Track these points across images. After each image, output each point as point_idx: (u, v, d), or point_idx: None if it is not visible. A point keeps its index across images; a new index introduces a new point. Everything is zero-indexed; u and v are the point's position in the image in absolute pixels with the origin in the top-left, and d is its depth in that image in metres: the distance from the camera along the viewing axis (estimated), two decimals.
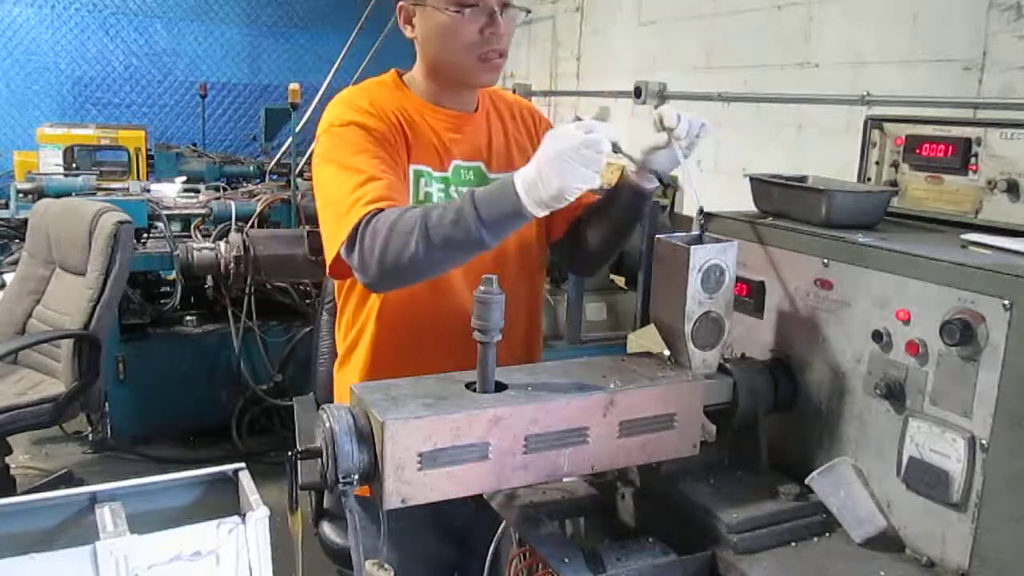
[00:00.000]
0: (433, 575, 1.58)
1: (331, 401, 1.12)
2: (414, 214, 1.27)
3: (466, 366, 1.18)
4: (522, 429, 1.07)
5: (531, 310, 1.66)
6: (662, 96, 3.91)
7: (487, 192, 1.25)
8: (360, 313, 1.56)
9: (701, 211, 1.28)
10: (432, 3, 1.43)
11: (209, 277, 3.82)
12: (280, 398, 3.79)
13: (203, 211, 3.90)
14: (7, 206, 3.85)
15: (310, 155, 5.13)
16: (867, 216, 1.34)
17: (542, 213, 1.21)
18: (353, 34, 5.33)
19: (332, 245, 1.36)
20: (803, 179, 1.46)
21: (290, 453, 1.10)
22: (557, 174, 1.16)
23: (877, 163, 1.45)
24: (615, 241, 1.63)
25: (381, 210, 1.31)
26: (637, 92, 3.90)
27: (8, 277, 3.48)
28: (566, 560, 1.12)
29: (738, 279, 1.29)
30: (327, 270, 1.42)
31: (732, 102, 3.48)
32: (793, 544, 1.17)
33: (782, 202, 1.41)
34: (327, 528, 2.17)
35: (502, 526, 1.32)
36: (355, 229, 1.30)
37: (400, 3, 1.49)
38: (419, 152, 1.48)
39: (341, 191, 1.35)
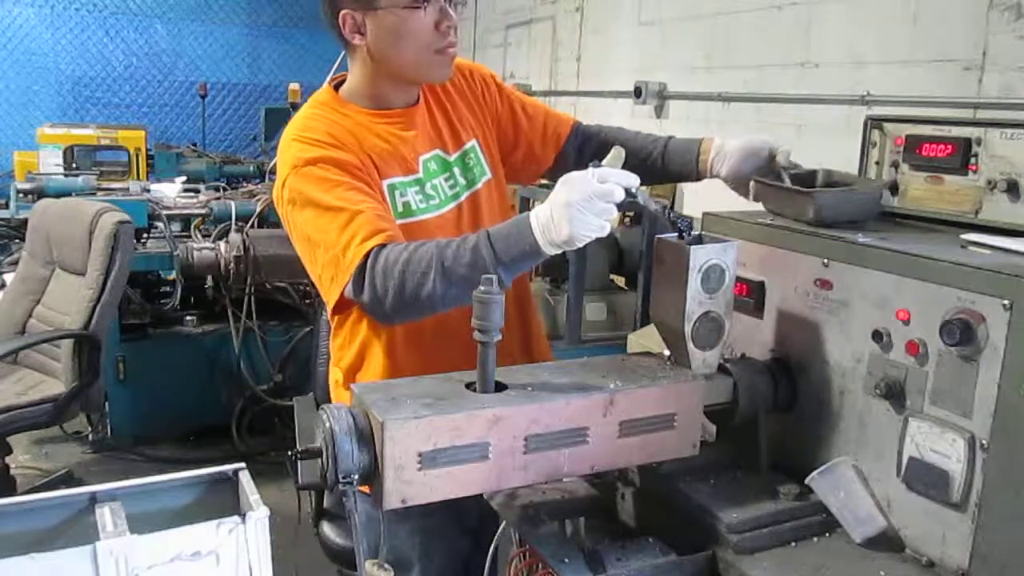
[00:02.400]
0: (453, 570, 1.59)
1: (331, 401, 1.12)
2: (427, 251, 1.27)
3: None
4: (522, 429, 1.08)
5: (524, 310, 1.65)
6: (662, 96, 3.91)
7: (502, 232, 1.25)
8: (360, 324, 1.53)
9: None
10: (385, 4, 1.40)
11: (209, 277, 3.82)
12: (280, 398, 3.79)
13: (203, 211, 3.90)
14: (7, 206, 3.85)
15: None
16: (859, 214, 1.35)
17: (556, 251, 1.22)
18: None
19: (333, 288, 1.35)
20: (813, 174, 1.46)
21: (290, 453, 1.10)
22: (568, 222, 1.17)
23: (877, 163, 1.45)
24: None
25: (383, 245, 1.30)
26: (637, 92, 3.90)
27: (8, 277, 3.49)
28: (566, 560, 1.12)
29: (738, 279, 1.29)
30: (330, 312, 1.42)
31: (732, 102, 3.48)
32: (793, 544, 1.17)
33: (776, 203, 1.41)
34: (327, 528, 2.17)
35: (502, 526, 1.33)
36: (360, 271, 1.29)
37: (343, 12, 1.43)
38: (385, 166, 1.46)
39: (329, 234, 1.33)
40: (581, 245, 1.19)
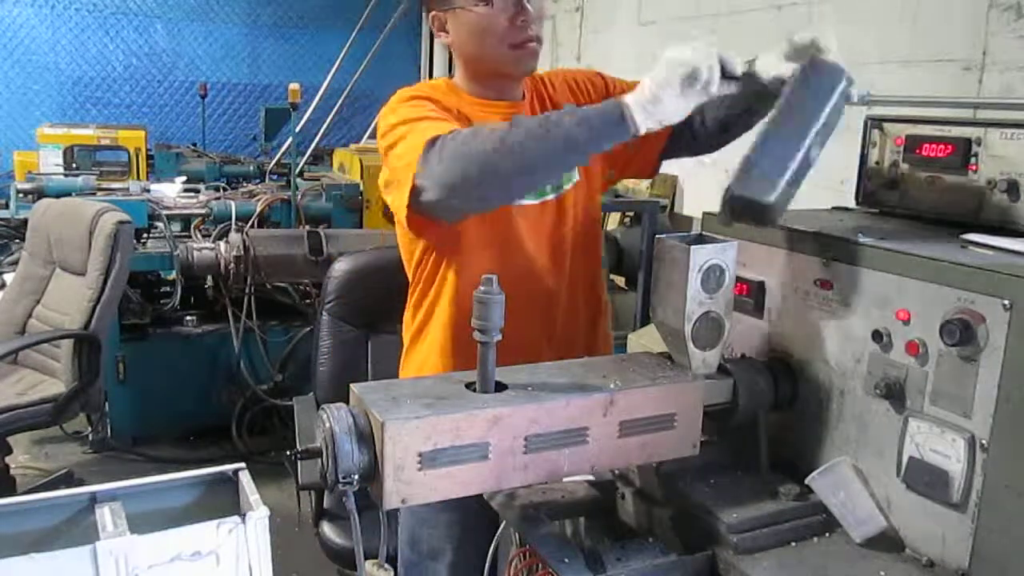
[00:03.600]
0: (481, 565, 1.61)
1: (331, 401, 1.12)
2: (500, 124, 1.30)
3: (544, 341, 1.33)
4: (522, 429, 1.07)
5: (591, 296, 1.68)
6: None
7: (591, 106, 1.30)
8: (426, 296, 1.61)
9: None
10: (460, 3, 1.48)
11: (209, 277, 3.83)
12: (280, 398, 3.79)
13: (203, 211, 3.90)
14: (7, 206, 3.85)
15: (309, 155, 5.13)
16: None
17: (644, 128, 1.25)
18: (353, 34, 5.33)
19: (406, 179, 1.35)
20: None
21: (289, 453, 1.10)
22: (660, 98, 1.22)
23: (877, 163, 1.45)
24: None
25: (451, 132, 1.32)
26: None
27: (8, 277, 3.49)
28: (566, 560, 1.12)
29: (738, 279, 1.29)
30: (406, 219, 1.43)
31: None
32: (793, 544, 1.17)
33: None
34: (327, 528, 2.17)
35: (502, 526, 1.33)
36: (432, 141, 1.31)
37: (432, 13, 1.54)
38: None
39: (411, 139, 1.36)
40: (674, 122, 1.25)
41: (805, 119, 1.19)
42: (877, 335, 1.17)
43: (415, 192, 1.34)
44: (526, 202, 1.56)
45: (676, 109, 1.24)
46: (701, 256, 1.18)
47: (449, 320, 1.59)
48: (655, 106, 1.23)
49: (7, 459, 3.12)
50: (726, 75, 1.24)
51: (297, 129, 4.27)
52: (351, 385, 1.12)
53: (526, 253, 1.56)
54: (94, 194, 3.74)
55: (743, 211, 1.18)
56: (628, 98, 1.25)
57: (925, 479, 1.11)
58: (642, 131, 1.25)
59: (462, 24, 1.51)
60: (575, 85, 1.66)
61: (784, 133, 1.19)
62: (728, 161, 1.27)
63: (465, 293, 1.54)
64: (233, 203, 3.88)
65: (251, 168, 5.30)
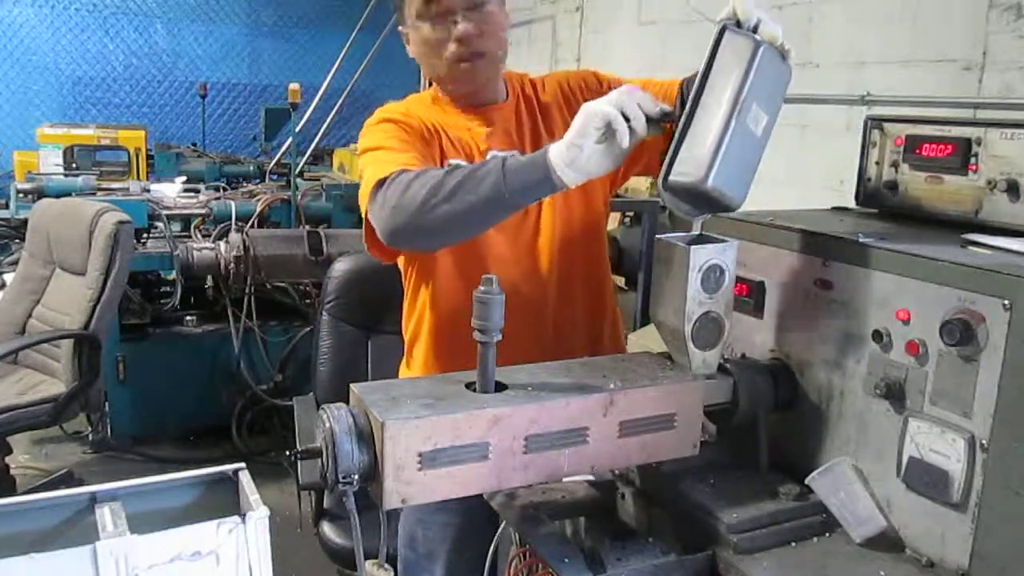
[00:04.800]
0: (479, 567, 1.61)
1: (331, 401, 1.12)
2: (436, 173, 1.32)
3: (535, 349, 1.30)
4: (522, 429, 1.07)
5: (595, 305, 1.67)
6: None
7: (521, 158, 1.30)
8: (414, 307, 1.63)
9: None
10: (411, 23, 1.53)
11: (209, 277, 3.83)
12: (280, 398, 3.79)
13: (203, 211, 3.90)
14: (7, 206, 3.86)
15: (309, 155, 5.12)
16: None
17: (573, 183, 1.23)
18: (353, 34, 5.33)
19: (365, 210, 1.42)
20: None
21: (289, 453, 1.10)
22: (580, 153, 1.19)
23: (877, 163, 1.44)
24: None
25: (402, 171, 1.35)
26: None
27: (8, 277, 3.49)
28: (566, 560, 1.12)
29: (738, 279, 1.29)
30: (367, 245, 1.49)
31: None
32: (793, 544, 1.17)
33: None
34: (327, 528, 2.17)
35: (502, 526, 1.33)
36: (379, 183, 1.35)
37: (399, 28, 1.60)
38: (453, 151, 1.54)
39: (367, 173, 1.41)
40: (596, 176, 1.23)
41: (718, 91, 1.14)
42: (877, 335, 1.17)
43: (368, 224, 1.41)
44: None
45: (600, 162, 1.20)
46: (701, 256, 1.18)
47: (432, 328, 1.60)
48: (576, 162, 1.20)
49: (7, 459, 3.12)
50: (650, 120, 1.20)
51: (297, 129, 4.27)
52: (351, 385, 1.12)
53: (503, 259, 1.54)
54: (94, 194, 3.74)
55: (685, 198, 1.15)
56: (552, 154, 1.22)
57: (925, 479, 1.11)
58: (571, 187, 1.24)
59: (416, 40, 1.55)
60: (566, 88, 1.65)
61: (700, 111, 1.14)
62: None
63: (444, 304, 1.57)
64: (233, 203, 3.88)
65: (251, 168, 5.30)
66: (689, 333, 1.19)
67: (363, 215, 1.45)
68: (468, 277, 1.45)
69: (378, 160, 1.42)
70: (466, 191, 1.27)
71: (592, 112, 1.19)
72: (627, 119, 1.18)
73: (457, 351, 1.52)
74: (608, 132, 1.18)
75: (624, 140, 1.18)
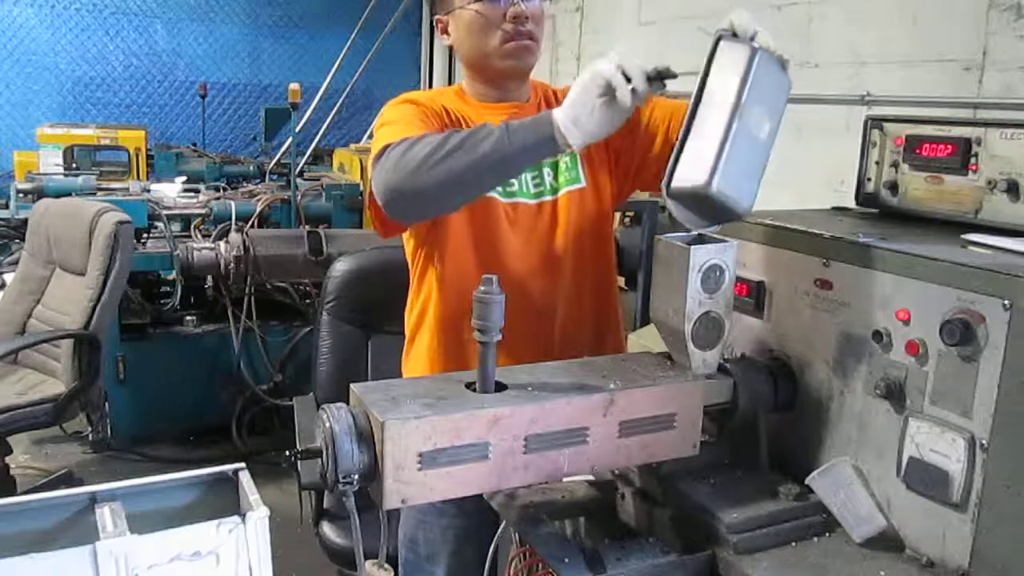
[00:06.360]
0: (479, 571, 1.61)
1: (331, 401, 1.12)
2: (437, 136, 1.32)
3: (539, 350, 1.31)
4: (522, 429, 1.07)
5: (601, 310, 1.67)
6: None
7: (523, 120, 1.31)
8: (419, 294, 1.62)
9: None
10: (459, 4, 1.53)
11: (209, 277, 3.83)
12: (280, 398, 3.79)
13: (203, 211, 3.90)
14: (7, 206, 3.85)
15: (309, 155, 5.13)
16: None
17: (576, 144, 1.25)
18: (353, 34, 5.33)
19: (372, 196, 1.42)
20: None
21: (289, 453, 1.10)
22: (582, 112, 1.22)
23: (877, 163, 1.44)
24: None
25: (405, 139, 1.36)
26: None
27: (8, 277, 3.49)
28: (566, 560, 1.12)
29: (738, 279, 1.29)
30: (371, 216, 1.51)
31: None
32: (793, 544, 1.17)
33: None
34: (327, 528, 2.17)
35: (502, 526, 1.33)
36: (383, 149, 1.36)
37: (436, 17, 1.61)
38: None
39: (376, 143, 1.43)
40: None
41: (717, 97, 1.15)
42: (877, 335, 1.17)
43: (372, 195, 1.40)
44: (521, 200, 1.56)
45: (602, 121, 1.23)
46: (701, 256, 1.18)
47: (437, 322, 1.60)
48: (579, 120, 1.23)
49: (7, 459, 3.12)
50: (650, 78, 1.22)
51: (297, 129, 4.27)
52: (351, 385, 1.12)
53: (515, 253, 1.55)
54: (94, 194, 3.74)
55: (691, 206, 1.14)
56: (557, 114, 1.25)
57: (925, 479, 1.11)
58: (575, 148, 1.25)
59: (461, 24, 1.55)
60: None
61: (700, 118, 1.15)
62: None
63: (451, 293, 1.56)
64: (233, 203, 3.88)
65: (251, 168, 5.30)
66: (689, 333, 1.19)
67: (369, 192, 1.46)
68: (479, 267, 1.45)
69: (390, 132, 1.42)
70: (466, 150, 1.28)
71: (593, 72, 1.22)
72: (627, 79, 1.20)
73: (460, 343, 1.52)
74: (609, 90, 1.21)
75: (626, 98, 1.20)
